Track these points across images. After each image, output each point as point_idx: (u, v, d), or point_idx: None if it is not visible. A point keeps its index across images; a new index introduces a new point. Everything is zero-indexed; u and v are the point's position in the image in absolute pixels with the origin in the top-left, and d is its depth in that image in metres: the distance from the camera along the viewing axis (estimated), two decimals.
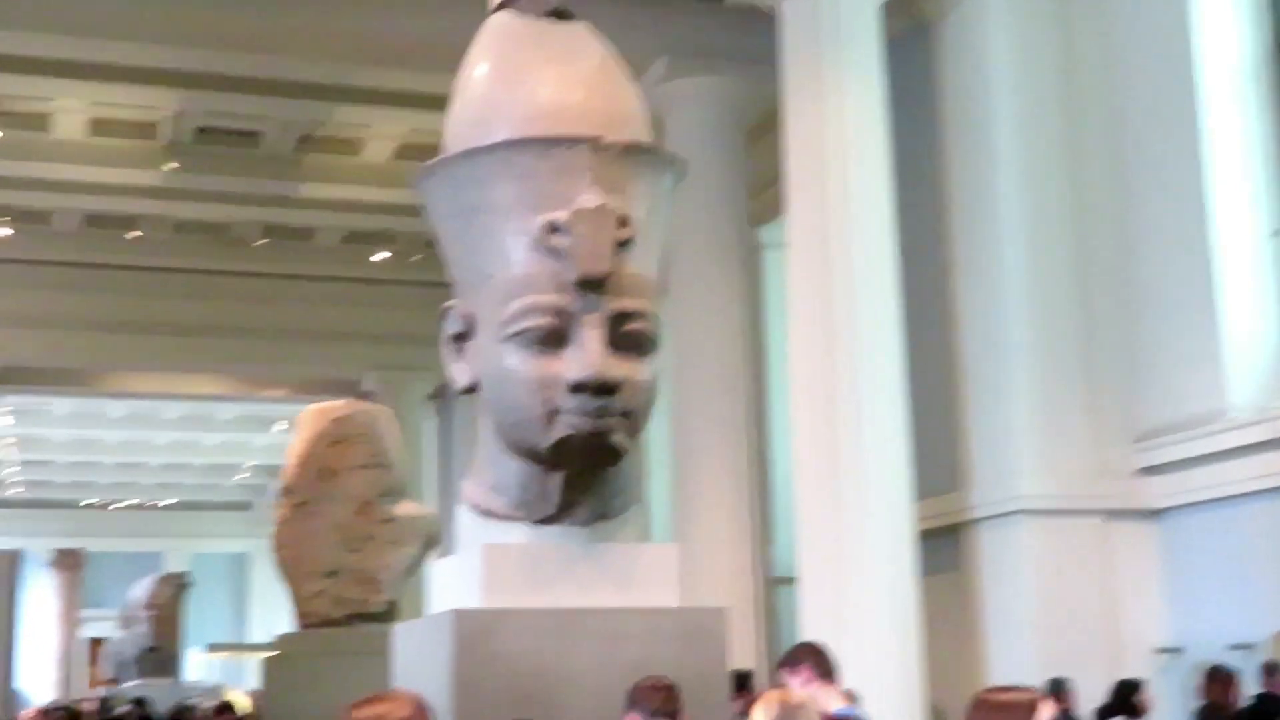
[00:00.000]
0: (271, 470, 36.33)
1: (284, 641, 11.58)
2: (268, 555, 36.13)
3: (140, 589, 26.48)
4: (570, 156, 5.64)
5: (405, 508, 11.53)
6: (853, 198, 10.65)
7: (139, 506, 39.20)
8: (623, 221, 5.64)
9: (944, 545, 11.51)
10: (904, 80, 12.30)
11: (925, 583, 11.72)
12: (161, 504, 38.96)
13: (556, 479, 5.67)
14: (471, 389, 5.83)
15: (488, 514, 5.82)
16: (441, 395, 23.92)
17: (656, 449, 18.41)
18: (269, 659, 11.38)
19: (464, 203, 5.82)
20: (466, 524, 5.92)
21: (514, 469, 5.75)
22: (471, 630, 5.42)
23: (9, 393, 24.07)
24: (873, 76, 10.92)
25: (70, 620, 38.57)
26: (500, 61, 6.06)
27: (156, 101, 16.92)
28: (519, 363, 5.56)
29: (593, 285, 5.53)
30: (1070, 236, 11.12)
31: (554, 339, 5.54)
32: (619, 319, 5.60)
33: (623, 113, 5.94)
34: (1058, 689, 9.50)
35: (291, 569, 10.97)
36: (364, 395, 23.68)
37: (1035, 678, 9.86)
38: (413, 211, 19.07)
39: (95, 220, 20.27)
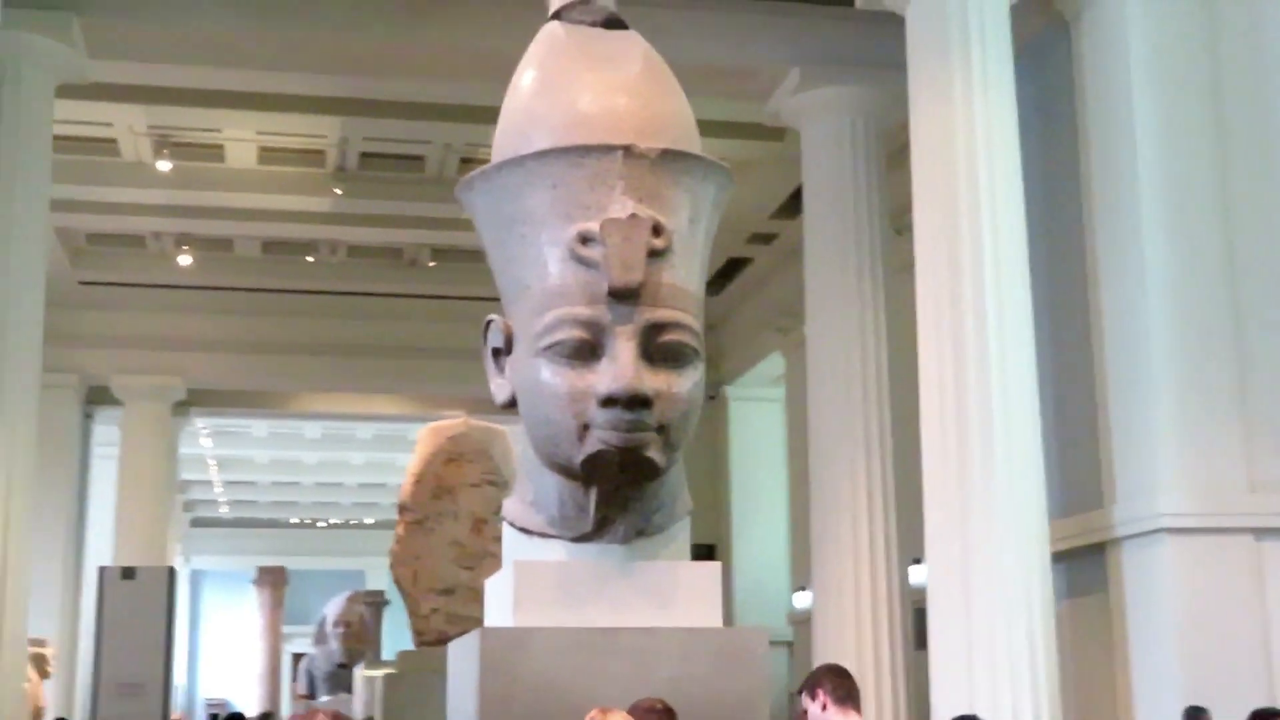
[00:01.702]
0: None
1: (401, 659, 11.69)
2: None
3: (332, 606, 27.06)
4: (603, 165, 5.53)
5: None
6: (982, 204, 10.30)
7: (343, 525, 40.24)
8: (657, 230, 5.50)
9: (1090, 565, 11.04)
10: (1044, 80, 11.92)
11: (1071, 604, 11.32)
12: (366, 522, 39.91)
13: (593, 495, 5.55)
14: (511, 404, 5.74)
15: (526, 531, 5.73)
16: None
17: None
18: (387, 676, 11.50)
19: (503, 214, 5.76)
20: (509, 541, 5.84)
21: (551, 485, 5.65)
22: (497, 649, 5.32)
23: (200, 415, 24.87)
24: (1003, 78, 10.56)
25: (274, 636, 39.78)
26: (542, 71, 5.99)
27: (321, 129, 17.33)
28: (551, 376, 5.46)
29: (625, 296, 5.40)
30: (1218, 236, 10.55)
31: (587, 352, 5.43)
32: (653, 330, 5.46)
33: (662, 119, 5.80)
34: (1195, 717, 9.01)
35: (409, 586, 11.07)
36: None
37: (1179, 704, 9.41)
38: None
39: (273, 246, 20.87)
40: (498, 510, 12.41)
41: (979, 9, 10.50)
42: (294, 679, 36.75)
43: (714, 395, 22.61)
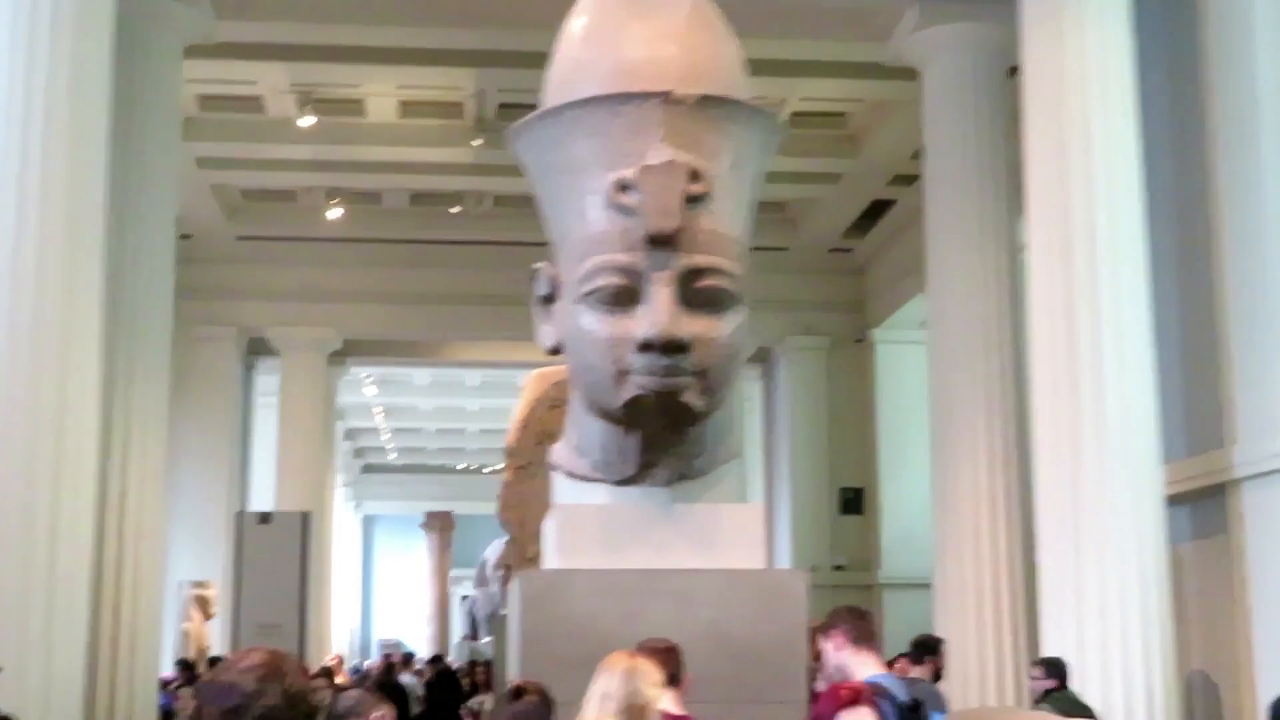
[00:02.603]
0: None
1: None
2: None
3: (492, 550, 27.57)
4: (642, 112, 5.59)
5: None
6: (1095, 140, 10.07)
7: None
8: (695, 176, 5.55)
9: (1213, 506, 10.77)
10: (1167, 17, 11.54)
11: (1195, 546, 11.08)
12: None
13: (635, 439, 5.65)
14: (557, 350, 5.85)
15: (572, 475, 5.84)
16: (764, 359, 23.90)
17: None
18: (498, 619, 11.71)
19: (548, 163, 5.85)
20: (558, 486, 5.96)
21: (595, 430, 5.76)
22: (537, 591, 5.46)
23: (356, 364, 25.46)
24: (1119, 11, 10.28)
25: (442, 579, 40.72)
26: (589, 21, 6.06)
27: (459, 82, 17.52)
28: (592, 322, 5.56)
29: (662, 242, 5.47)
30: None
31: (626, 297, 5.51)
32: (691, 275, 5.52)
33: (706, 66, 5.82)
34: None
35: (516, 531, 11.21)
36: None
37: None
38: None
39: (420, 198, 21.22)
40: None
41: None
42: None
43: (861, 339, 22.43)
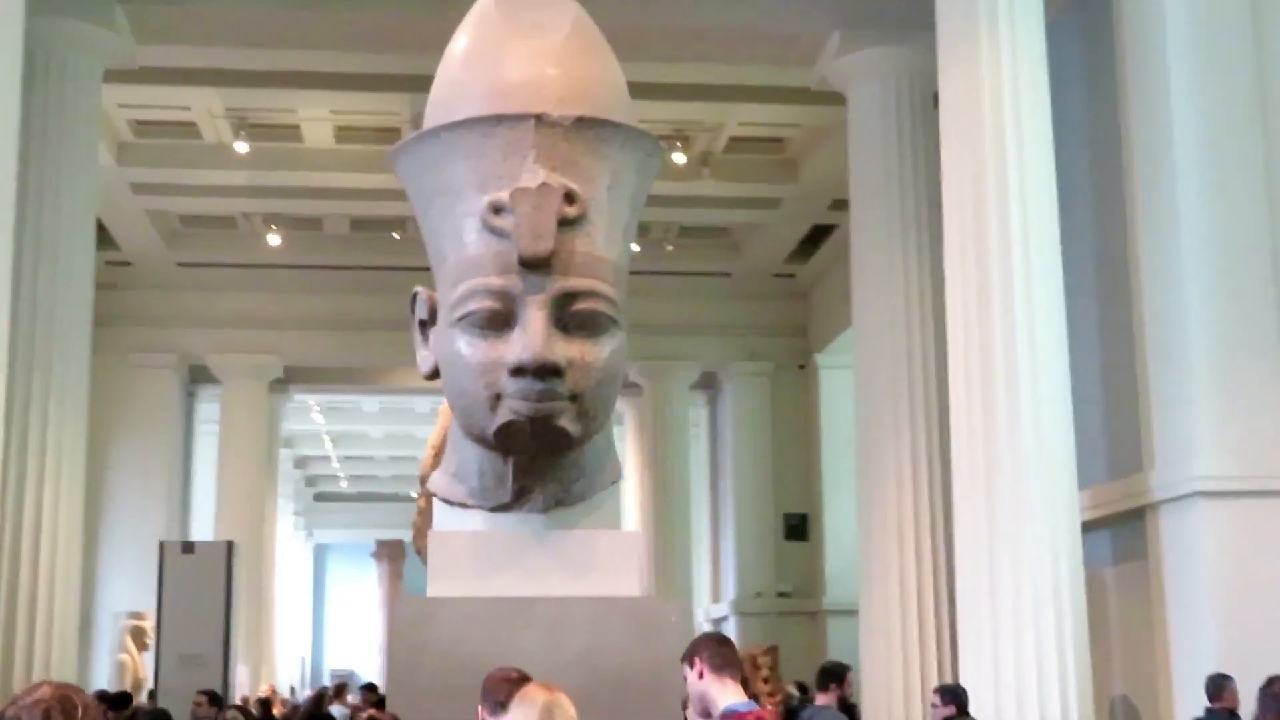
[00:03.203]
0: None
1: None
2: None
3: None
4: (516, 134, 5.53)
5: None
6: (1010, 169, 10.05)
7: None
8: (570, 198, 5.49)
9: (1133, 530, 10.78)
10: (1090, 39, 11.60)
11: (1117, 570, 11.09)
12: None
13: (510, 465, 5.57)
14: (434, 375, 5.78)
15: (449, 502, 5.77)
16: (709, 384, 23.89)
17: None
18: None
19: (425, 185, 5.79)
20: (437, 513, 5.88)
21: (473, 456, 5.69)
22: (405, 619, 5.38)
23: (300, 392, 25.30)
24: (1033, 37, 10.29)
25: (393, 607, 40.44)
26: (469, 41, 6.01)
27: (394, 107, 17.45)
28: (465, 346, 5.50)
29: (535, 265, 5.41)
30: (1257, 199, 10.17)
31: (500, 321, 5.45)
32: (566, 299, 5.46)
33: (584, 87, 5.76)
34: (1216, 686, 8.76)
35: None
36: (629, 386, 24.01)
37: (1216, 669, 9.15)
38: (666, 201, 19.33)
39: (361, 224, 21.10)
40: None
41: None
42: None
43: (804, 365, 22.45)
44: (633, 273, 19.49)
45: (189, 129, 17.72)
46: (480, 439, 5.54)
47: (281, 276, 21.71)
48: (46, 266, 11.15)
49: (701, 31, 13.70)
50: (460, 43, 6.01)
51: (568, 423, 5.41)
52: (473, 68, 5.84)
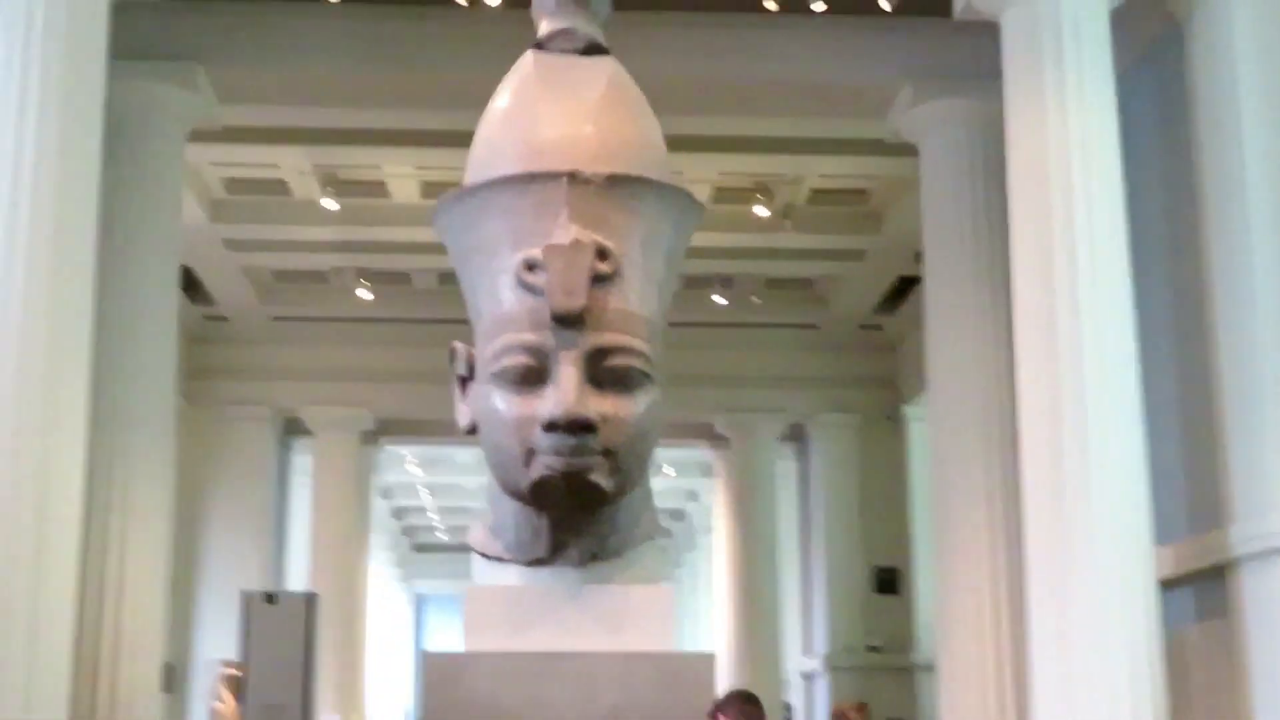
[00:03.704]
0: (673, 513, 37.18)
1: None
2: (678, 595, 36.33)
3: None
4: (548, 192, 5.60)
5: None
6: (1078, 219, 9.95)
7: None
8: (603, 255, 5.54)
9: (1214, 587, 10.53)
10: (1162, 85, 11.47)
11: (1198, 629, 10.83)
12: None
13: (546, 520, 5.60)
14: (473, 430, 5.84)
15: (486, 556, 5.81)
16: (798, 436, 23.79)
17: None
18: None
19: (463, 243, 5.88)
20: (476, 568, 5.93)
21: (509, 510, 5.73)
22: (439, 672, 5.42)
23: (394, 444, 25.56)
24: (1102, 86, 10.21)
25: None
26: (506, 100, 6.10)
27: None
28: (500, 402, 5.56)
29: (568, 321, 5.46)
30: None
31: (534, 377, 5.50)
32: (599, 354, 5.50)
33: (618, 144, 5.83)
34: None
35: None
36: (717, 438, 23.99)
37: None
38: (749, 253, 19.31)
39: (448, 278, 21.27)
40: None
41: (1074, 13, 10.20)
42: None
43: (892, 416, 22.28)
44: (719, 325, 19.58)
45: (278, 186, 18.06)
46: (516, 494, 5.58)
47: (372, 330, 22.01)
48: (129, 325, 11.41)
49: (776, 86, 13.74)
50: (498, 102, 6.11)
51: (601, 478, 5.44)
52: (508, 127, 5.92)
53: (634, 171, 5.73)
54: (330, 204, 17.61)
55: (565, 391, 5.38)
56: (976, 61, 11.95)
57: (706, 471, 27.51)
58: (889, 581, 22.17)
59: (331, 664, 20.00)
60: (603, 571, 5.67)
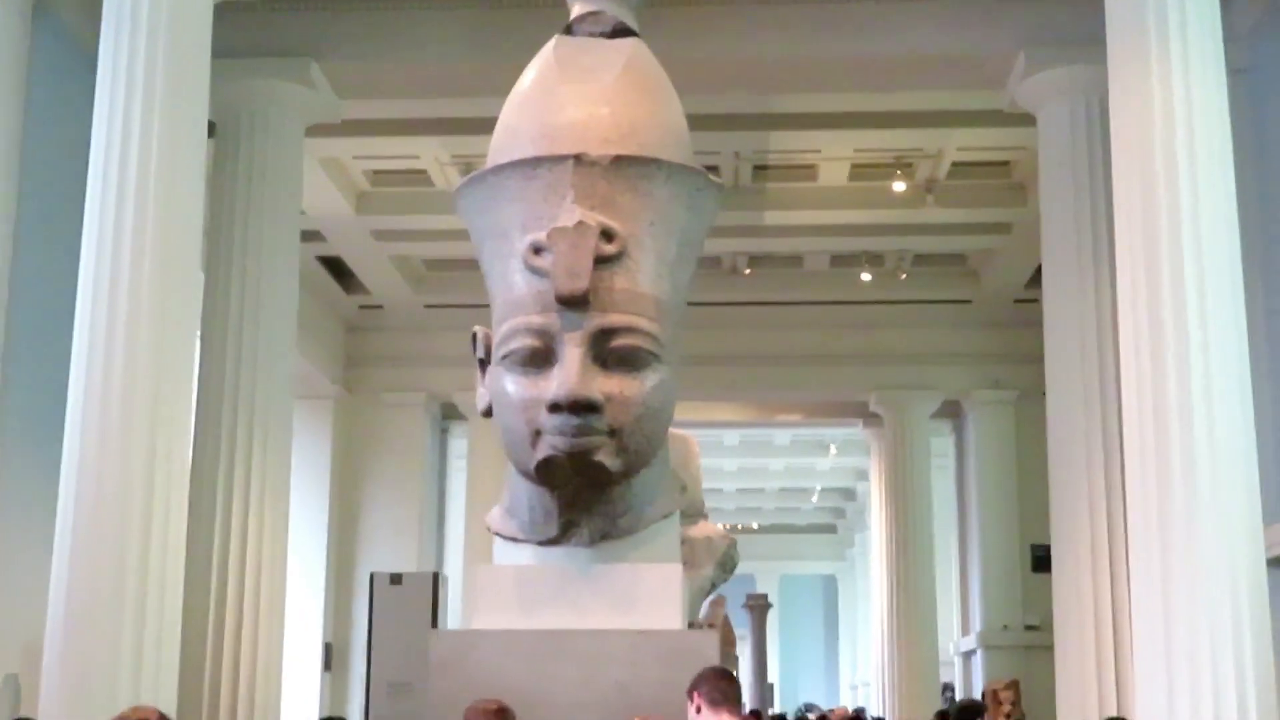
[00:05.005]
0: (843, 492, 36.94)
1: None
2: (852, 576, 36.26)
3: (701, 610, 27.50)
4: (554, 175, 5.66)
5: (701, 529, 11.53)
6: (1183, 193, 9.55)
7: (734, 529, 40.91)
8: (608, 236, 5.57)
9: None
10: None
11: None
12: (752, 526, 40.41)
13: (555, 499, 5.67)
14: (489, 413, 5.93)
15: (501, 536, 5.89)
16: (954, 413, 23.43)
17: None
18: None
19: (479, 227, 5.98)
20: (495, 548, 6.01)
21: (522, 491, 5.81)
22: (447, 650, 5.51)
23: None
24: (1210, 54, 9.80)
25: None
26: (524, 86, 6.16)
27: None
28: (509, 383, 5.65)
29: (572, 303, 5.51)
30: None
31: (540, 359, 5.58)
32: (604, 335, 5.55)
33: (630, 126, 5.85)
34: None
35: None
36: (870, 416, 23.75)
37: None
38: (892, 230, 19.08)
39: None
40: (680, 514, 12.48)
41: None
42: None
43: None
44: (869, 302, 19.25)
45: (421, 176, 18.41)
46: (525, 474, 5.66)
47: None
48: (251, 317, 11.79)
49: (899, 60, 13.52)
50: (518, 88, 6.18)
51: (606, 457, 5.48)
52: (524, 112, 5.99)
53: (648, 153, 5.74)
54: None
55: (569, 372, 5.44)
56: (1090, 27, 11.57)
57: (863, 449, 27.37)
58: (1044, 559, 21.65)
59: None
60: (615, 550, 5.71)
